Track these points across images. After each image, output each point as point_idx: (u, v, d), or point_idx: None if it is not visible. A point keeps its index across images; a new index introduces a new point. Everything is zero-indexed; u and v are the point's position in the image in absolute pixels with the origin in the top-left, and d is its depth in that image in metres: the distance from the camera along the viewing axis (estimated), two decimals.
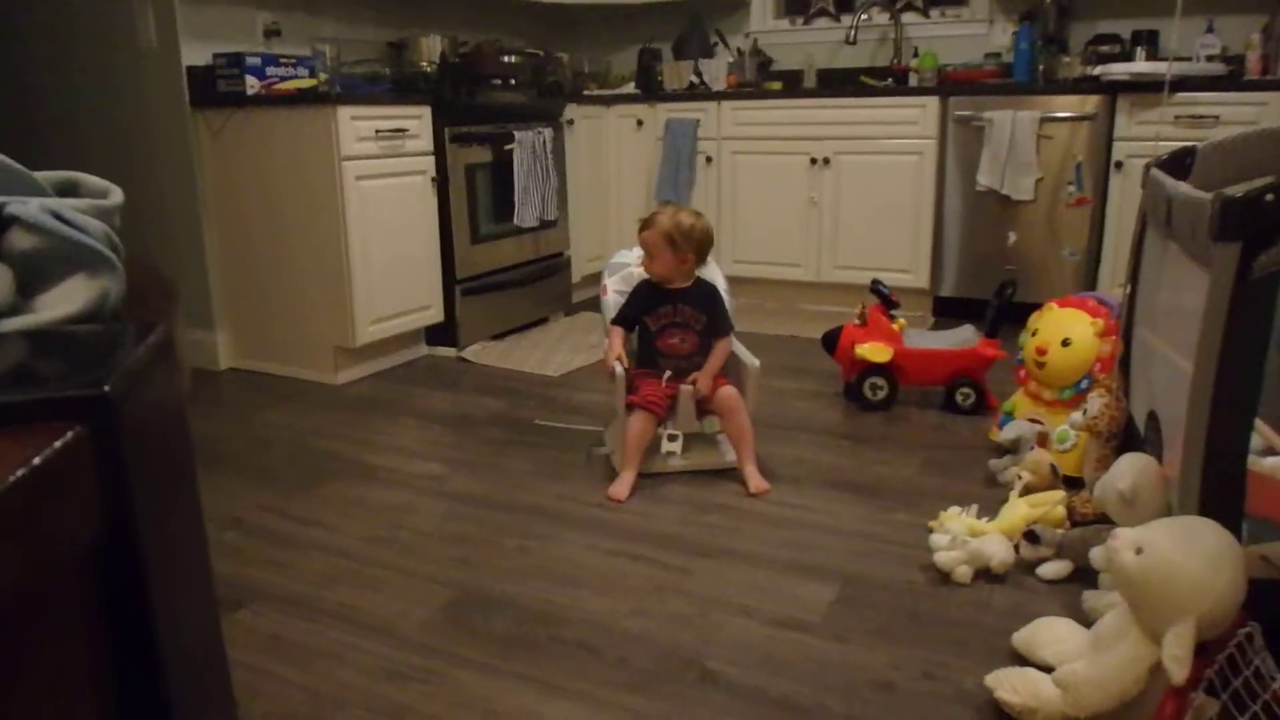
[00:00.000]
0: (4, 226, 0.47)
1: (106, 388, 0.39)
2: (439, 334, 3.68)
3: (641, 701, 1.53)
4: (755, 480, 2.34)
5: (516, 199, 3.79)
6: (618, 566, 1.98)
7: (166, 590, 0.46)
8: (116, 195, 0.55)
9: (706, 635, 1.71)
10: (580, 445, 2.67)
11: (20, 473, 0.34)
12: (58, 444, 0.37)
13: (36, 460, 0.35)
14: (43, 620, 0.38)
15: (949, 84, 4.05)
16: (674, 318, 2.45)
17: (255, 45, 3.42)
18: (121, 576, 0.42)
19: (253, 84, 3.24)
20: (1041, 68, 3.98)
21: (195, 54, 3.31)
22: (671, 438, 2.43)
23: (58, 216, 0.48)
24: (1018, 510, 1.94)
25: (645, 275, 2.51)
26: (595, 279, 4.38)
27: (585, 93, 4.61)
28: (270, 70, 3.28)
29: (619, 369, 2.40)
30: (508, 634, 1.73)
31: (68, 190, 0.55)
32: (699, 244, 2.43)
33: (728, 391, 2.39)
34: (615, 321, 2.49)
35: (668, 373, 2.42)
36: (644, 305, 2.47)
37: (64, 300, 0.47)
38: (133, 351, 0.44)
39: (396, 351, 3.58)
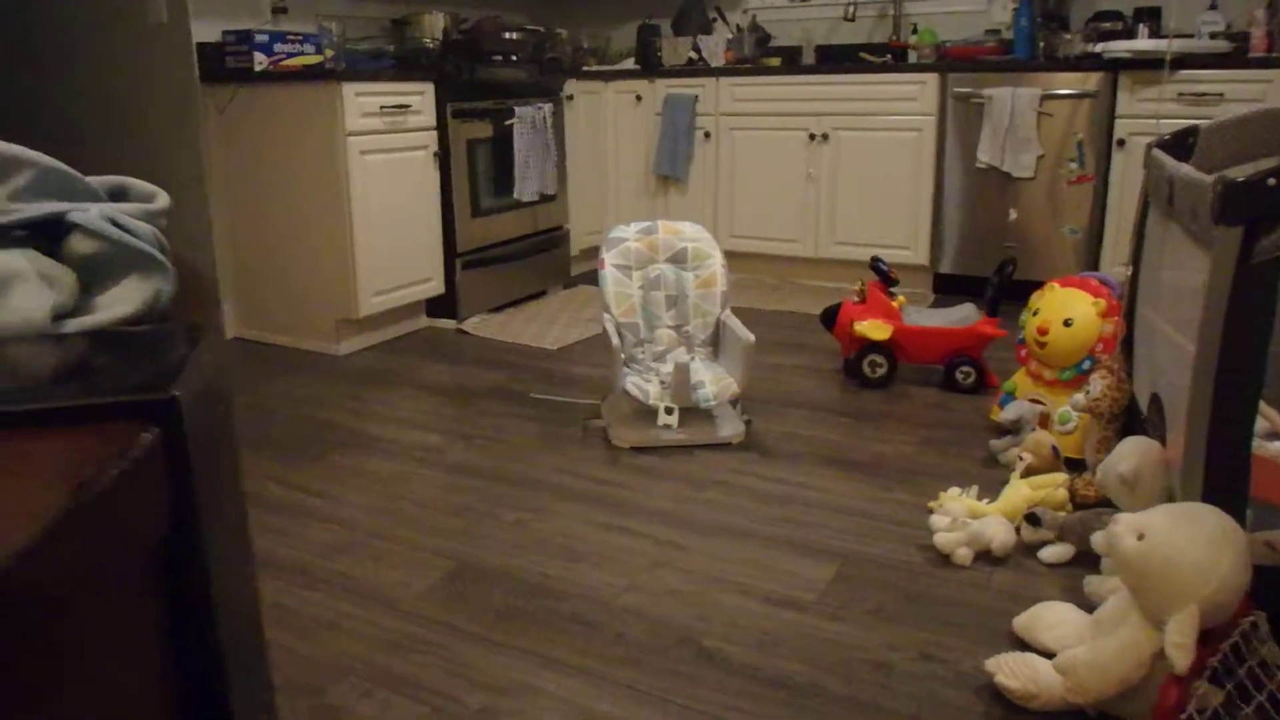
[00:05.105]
0: (65, 232, 0.50)
1: (176, 392, 0.42)
2: (439, 306, 3.72)
3: (639, 677, 1.54)
4: None
5: (516, 173, 3.81)
6: (615, 541, 1.98)
7: (222, 579, 0.49)
8: (163, 199, 0.58)
9: (704, 612, 1.72)
10: (577, 418, 2.67)
11: (115, 470, 0.37)
12: (140, 445, 0.39)
13: (125, 460, 0.38)
14: (114, 609, 0.40)
15: (948, 60, 4.01)
16: None
17: (262, 22, 3.45)
18: (182, 569, 0.45)
19: (260, 60, 3.26)
20: (1042, 44, 3.94)
21: (203, 30, 3.32)
22: (668, 410, 2.43)
23: (114, 223, 0.51)
24: (1019, 492, 1.94)
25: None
26: (593, 252, 4.38)
27: (585, 68, 4.58)
28: (277, 47, 3.31)
29: (616, 340, 2.42)
30: (506, 606, 1.75)
31: (117, 194, 0.58)
32: None
33: None
34: None
35: None
36: None
37: (120, 301, 0.50)
38: (192, 353, 0.47)
39: (398, 323, 3.61)
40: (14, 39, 3.56)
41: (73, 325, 0.48)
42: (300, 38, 3.38)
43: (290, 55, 3.33)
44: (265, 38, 3.28)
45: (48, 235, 0.49)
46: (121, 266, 0.50)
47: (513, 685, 1.52)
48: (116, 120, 3.48)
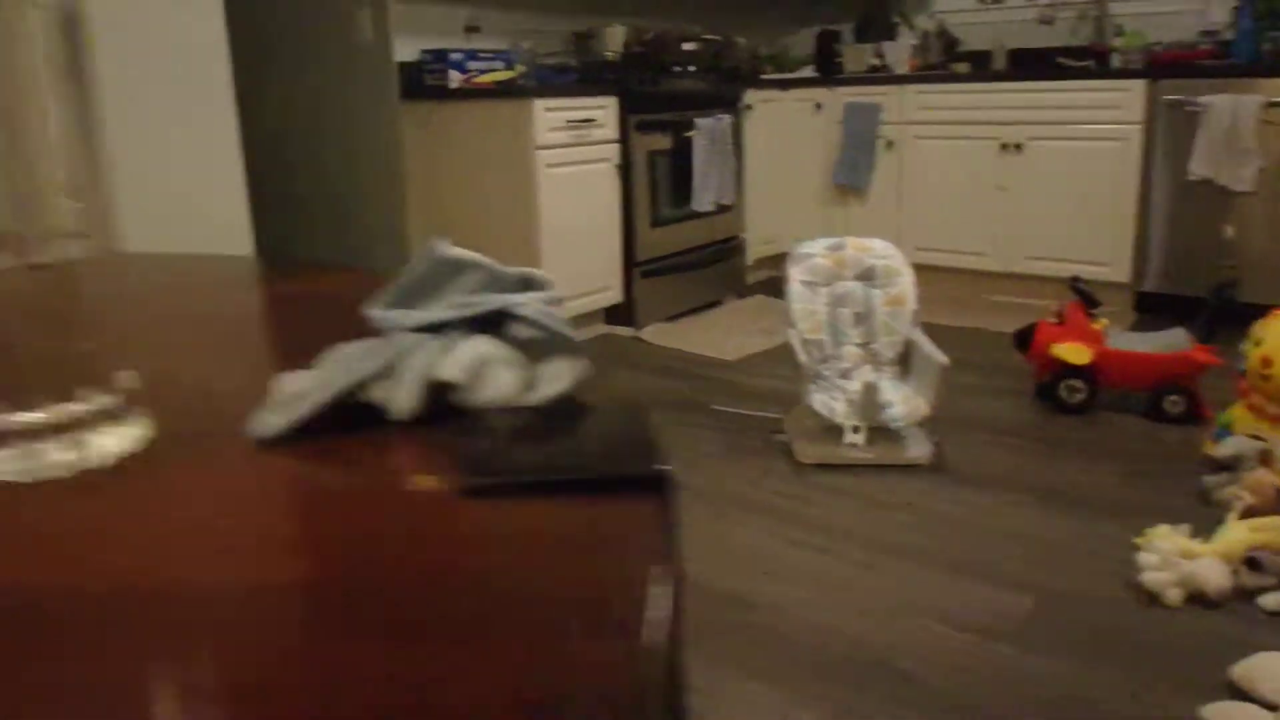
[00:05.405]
0: (505, 320, 0.60)
1: (667, 465, 0.47)
2: (617, 314, 3.81)
3: (838, 690, 1.57)
4: None
5: (695, 183, 3.86)
6: (805, 558, 2.01)
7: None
8: (554, 287, 0.67)
9: (898, 635, 1.72)
10: (759, 431, 2.69)
11: (666, 539, 0.41)
12: (661, 515, 0.43)
13: (668, 529, 0.42)
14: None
15: (1159, 65, 3.78)
16: None
17: (457, 41, 3.64)
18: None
19: (455, 78, 3.46)
20: (1267, 47, 3.66)
21: (403, 49, 3.53)
22: (855, 429, 2.43)
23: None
24: (1237, 534, 1.83)
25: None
26: (768, 262, 4.39)
27: (763, 77, 4.58)
28: (471, 65, 3.50)
29: (803, 356, 2.44)
30: (701, 615, 1.80)
31: (528, 284, 0.67)
32: None
33: None
34: None
35: None
36: None
37: (555, 380, 0.58)
38: (649, 426, 0.54)
39: (576, 330, 3.70)
40: (258, 52, 3.90)
41: (535, 398, 0.57)
42: (491, 55, 3.57)
43: (483, 72, 3.52)
44: (460, 56, 3.47)
45: (484, 324, 0.59)
46: (552, 349, 0.60)
47: (713, 690, 1.58)
48: (329, 133, 3.77)
